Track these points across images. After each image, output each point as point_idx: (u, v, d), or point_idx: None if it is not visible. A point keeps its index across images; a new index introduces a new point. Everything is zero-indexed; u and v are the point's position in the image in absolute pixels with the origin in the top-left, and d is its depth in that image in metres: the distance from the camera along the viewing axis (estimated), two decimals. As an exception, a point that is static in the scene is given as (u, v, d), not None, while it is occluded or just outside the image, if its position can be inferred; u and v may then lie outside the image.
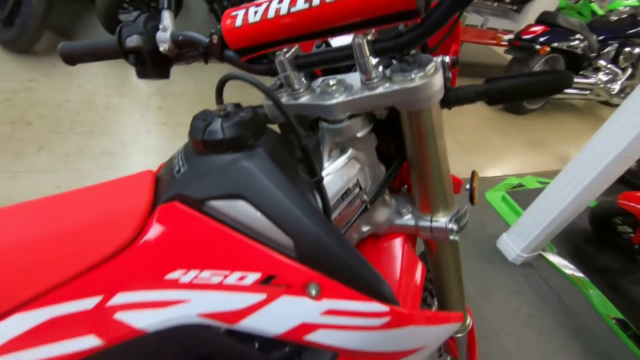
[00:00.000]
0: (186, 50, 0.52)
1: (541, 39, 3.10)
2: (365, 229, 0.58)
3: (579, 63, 3.44)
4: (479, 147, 2.95)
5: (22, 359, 0.37)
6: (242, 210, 0.39)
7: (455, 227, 0.55)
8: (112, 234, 0.39)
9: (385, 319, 0.38)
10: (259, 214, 0.39)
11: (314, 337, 0.39)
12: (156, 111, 2.26)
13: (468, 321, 0.79)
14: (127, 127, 2.08)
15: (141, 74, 0.54)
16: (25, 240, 0.39)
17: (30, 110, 1.96)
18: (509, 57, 3.34)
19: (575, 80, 3.43)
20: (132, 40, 0.50)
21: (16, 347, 0.37)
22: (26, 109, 1.96)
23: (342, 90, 0.45)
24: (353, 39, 0.40)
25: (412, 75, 0.41)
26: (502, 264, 1.96)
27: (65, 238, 0.39)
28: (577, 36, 3.25)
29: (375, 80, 0.43)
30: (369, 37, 0.41)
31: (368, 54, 0.40)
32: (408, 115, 0.46)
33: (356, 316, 0.38)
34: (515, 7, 4.07)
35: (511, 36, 3.46)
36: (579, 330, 1.70)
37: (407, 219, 0.58)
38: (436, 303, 0.87)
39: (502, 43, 3.75)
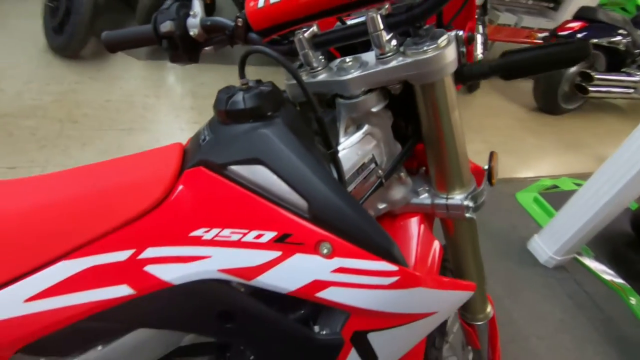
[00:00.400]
0: (214, 35, 0.57)
1: (579, 35, 2.97)
2: (381, 206, 0.60)
3: (621, 60, 3.25)
4: (510, 148, 2.86)
5: (65, 302, 0.41)
6: (260, 174, 0.42)
7: (471, 204, 0.55)
8: (143, 195, 0.44)
9: (394, 279, 0.40)
10: (275, 177, 0.42)
11: (325, 294, 0.41)
12: (189, 110, 2.37)
13: (489, 309, 0.77)
14: (162, 125, 2.20)
15: (173, 59, 0.59)
16: (69, 198, 0.44)
17: (76, 110, 2.12)
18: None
19: (618, 78, 3.25)
20: (166, 26, 0.55)
21: (60, 291, 0.41)
22: (73, 109, 2.12)
23: (358, 67, 0.48)
24: (367, 14, 0.42)
25: (425, 48, 0.42)
26: (532, 266, 1.88)
27: (103, 197, 0.44)
28: (620, 31, 3.08)
29: (389, 54, 0.44)
30: (383, 12, 0.43)
31: (381, 27, 0.42)
32: (422, 89, 0.48)
33: (366, 275, 0.40)
34: (551, 5, 3.92)
35: (547, 34, 3.33)
36: (617, 338, 1.60)
37: (424, 198, 0.59)
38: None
39: (536, 41, 3.62)
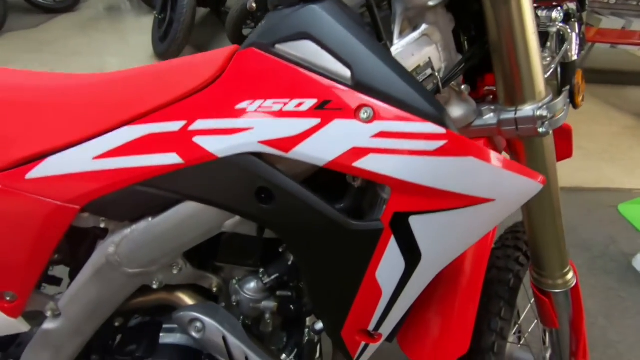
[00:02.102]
0: None
1: None
2: None
3: None
4: (613, 157, 2.48)
5: (124, 164, 0.45)
6: (307, 48, 0.42)
7: (545, 114, 0.47)
8: (198, 73, 0.46)
9: (441, 143, 0.36)
10: (321, 49, 0.41)
11: (363, 163, 0.38)
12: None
13: (570, 275, 0.65)
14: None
15: None
16: (134, 74, 0.49)
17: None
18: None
19: None
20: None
21: (122, 152, 0.46)
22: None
23: None
24: None
25: None
26: (637, 286, 1.56)
27: (163, 75, 0.48)
28: None
29: None
30: None
31: None
32: None
33: (409, 138, 0.36)
34: (668, 5, 3.40)
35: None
36: None
37: (488, 118, 0.53)
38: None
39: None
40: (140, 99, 0.47)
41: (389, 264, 0.42)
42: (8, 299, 0.51)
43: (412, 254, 0.41)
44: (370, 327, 0.47)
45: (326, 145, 0.39)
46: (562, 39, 0.55)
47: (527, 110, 0.49)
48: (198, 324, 0.53)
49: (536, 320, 0.94)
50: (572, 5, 0.57)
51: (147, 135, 0.46)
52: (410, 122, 0.36)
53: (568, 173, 2.44)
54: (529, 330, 0.98)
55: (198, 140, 0.45)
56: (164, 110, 0.46)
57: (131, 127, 0.46)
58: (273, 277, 0.55)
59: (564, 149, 0.81)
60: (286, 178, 0.43)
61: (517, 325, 0.96)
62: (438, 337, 0.54)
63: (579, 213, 2.08)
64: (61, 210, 0.47)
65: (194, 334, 0.53)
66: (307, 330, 0.57)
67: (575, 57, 0.56)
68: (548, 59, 0.53)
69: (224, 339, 0.53)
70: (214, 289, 0.58)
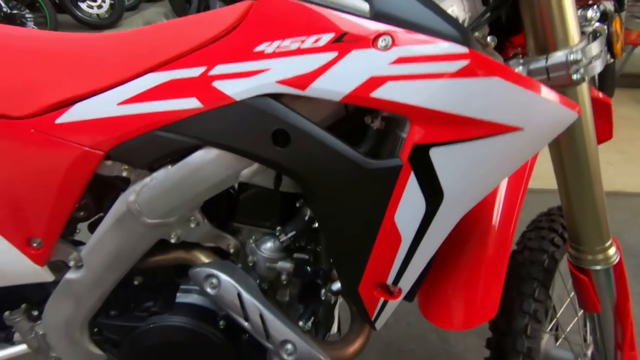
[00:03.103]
0: None
1: None
2: None
3: None
4: (657, 161, 2.31)
5: (147, 109, 0.47)
6: None
7: (579, 57, 0.44)
8: (219, 22, 0.47)
9: (463, 63, 0.34)
10: None
11: (381, 92, 0.37)
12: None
13: (612, 250, 0.59)
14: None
15: None
16: (159, 27, 0.50)
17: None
18: None
19: None
20: None
21: (144, 98, 0.47)
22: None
23: None
24: None
25: None
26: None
27: (187, 25, 0.50)
28: None
29: None
30: None
31: None
32: None
33: (428, 61, 0.35)
34: None
35: None
36: None
37: (517, 72, 0.50)
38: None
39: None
40: (164, 48, 0.48)
41: (409, 205, 0.40)
42: (35, 245, 0.52)
43: (433, 193, 0.39)
44: (389, 281, 0.45)
45: (343, 77, 0.39)
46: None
47: (559, 56, 0.46)
48: (213, 280, 0.53)
49: (576, 318, 0.87)
50: (609, 5, 0.54)
51: (168, 82, 0.47)
52: (429, 44, 0.35)
53: (610, 177, 2.30)
54: (568, 329, 0.90)
55: (217, 84, 0.45)
56: (186, 57, 0.47)
57: (154, 74, 0.47)
58: (290, 234, 0.53)
59: (604, 129, 0.75)
60: (302, 118, 0.42)
61: (554, 321, 0.89)
62: (464, 299, 0.51)
63: (623, 218, 1.93)
64: (87, 155, 0.48)
65: (209, 290, 0.53)
66: (323, 291, 0.55)
67: (611, 60, 0.52)
68: None
69: (239, 295, 0.52)
70: (231, 250, 0.58)
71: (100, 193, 0.57)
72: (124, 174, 0.51)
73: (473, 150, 0.36)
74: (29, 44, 0.52)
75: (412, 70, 0.35)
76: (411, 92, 0.36)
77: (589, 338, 0.84)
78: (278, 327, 0.51)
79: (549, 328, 0.86)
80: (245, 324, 0.52)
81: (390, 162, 0.39)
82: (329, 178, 0.43)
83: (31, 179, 0.50)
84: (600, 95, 0.72)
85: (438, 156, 0.37)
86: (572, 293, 0.88)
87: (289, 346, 0.50)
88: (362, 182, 0.41)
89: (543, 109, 0.35)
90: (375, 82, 0.37)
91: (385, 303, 0.47)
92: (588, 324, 0.84)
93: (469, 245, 0.52)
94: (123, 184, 0.53)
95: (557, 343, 0.91)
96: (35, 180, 0.50)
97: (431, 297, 0.54)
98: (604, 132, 0.76)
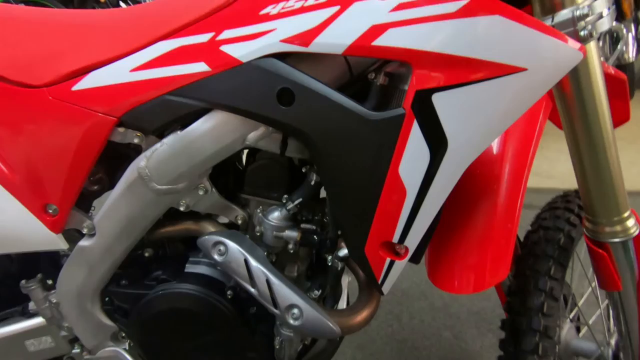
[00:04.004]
0: None
1: None
2: None
3: None
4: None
5: (157, 74, 0.48)
6: None
7: (586, 11, 0.43)
8: None
9: (463, 2, 0.34)
10: None
11: (383, 40, 0.37)
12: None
13: (632, 222, 0.57)
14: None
15: None
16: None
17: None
18: None
19: None
20: None
21: (155, 64, 0.49)
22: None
23: None
24: None
25: None
26: None
27: None
28: None
29: None
30: None
31: None
32: None
33: (428, 4, 0.35)
34: None
35: None
36: None
37: None
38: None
39: None
40: (174, 17, 0.50)
41: (413, 156, 0.40)
42: (50, 211, 0.54)
43: (436, 141, 0.39)
44: (395, 239, 0.44)
45: (345, 29, 0.39)
46: (616, 39, 0.51)
47: (565, 13, 0.45)
48: (221, 247, 0.53)
49: (599, 310, 0.83)
50: None
51: (178, 48, 0.48)
52: None
53: (633, 177, 2.22)
54: (591, 320, 0.87)
55: (224, 48, 0.47)
56: (195, 25, 0.49)
57: (164, 42, 0.49)
58: (296, 202, 0.54)
59: (620, 110, 0.73)
60: (306, 76, 0.43)
61: (575, 311, 0.86)
62: (474, 261, 0.49)
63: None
64: (101, 121, 0.50)
65: (216, 257, 0.53)
66: (330, 258, 0.54)
67: (632, 59, 0.51)
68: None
69: (246, 261, 0.52)
70: (239, 222, 0.59)
71: (114, 166, 0.58)
72: (136, 140, 0.52)
73: (476, 94, 0.36)
74: (48, 17, 0.55)
75: (412, 15, 0.36)
76: (412, 37, 0.36)
77: (613, 327, 0.81)
78: (284, 292, 0.50)
79: (570, 318, 0.83)
80: (252, 290, 0.52)
81: (393, 112, 0.40)
82: (333, 133, 0.43)
83: (48, 145, 0.52)
84: (613, 71, 0.70)
85: (441, 101, 0.37)
86: (594, 283, 0.85)
87: (295, 311, 0.50)
88: (365, 135, 0.41)
89: (547, 49, 0.35)
90: (377, 30, 0.38)
91: (392, 264, 0.46)
92: (610, 309, 0.80)
93: (477, 205, 0.51)
94: (135, 154, 0.54)
95: (580, 334, 0.87)
96: (51, 146, 0.52)
97: (439, 261, 0.52)
98: (621, 113, 0.73)
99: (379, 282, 0.48)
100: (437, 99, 0.37)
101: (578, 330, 0.88)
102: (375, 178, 0.42)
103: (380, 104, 0.45)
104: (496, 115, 0.38)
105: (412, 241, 0.44)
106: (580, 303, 0.87)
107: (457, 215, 0.51)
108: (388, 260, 0.46)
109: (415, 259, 0.48)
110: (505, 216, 0.49)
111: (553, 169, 2.05)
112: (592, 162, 0.54)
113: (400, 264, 0.46)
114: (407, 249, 0.45)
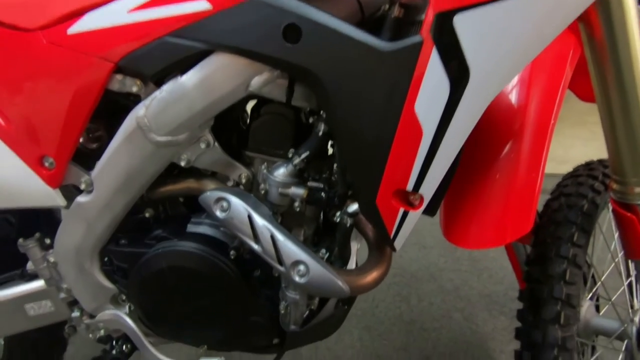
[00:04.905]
0: None
1: None
2: None
3: None
4: None
5: (157, 15, 0.46)
6: None
7: None
8: None
9: None
10: None
11: None
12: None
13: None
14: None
15: None
16: None
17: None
18: None
19: None
20: None
21: (154, 4, 0.46)
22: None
23: None
24: None
25: None
26: None
27: None
28: None
29: None
30: None
31: None
32: None
33: None
34: None
35: None
36: None
37: None
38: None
39: None
40: None
41: (431, 90, 0.36)
42: (47, 165, 0.52)
43: (457, 71, 0.35)
44: (409, 186, 0.41)
45: None
46: None
47: None
48: (224, 203, 0.50)
49: (623, 286, 0.79)
50: None
51: (178, -17, 0.46)
52: None
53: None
54: (614, 297, 0.82)
55: None
56: None
57: None
58: (303, 155, 0.51)
59: None
60: (313, 9, 0.40)
61: (595, 288, 0.81)
62: (494, 213, 0.46)
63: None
64: (98, 66, 0.47)
65: (218, 213, 0.50)
66: (338, 214, 0.51)
67: None
68: None
69: (250, 217, 0.49)
70: (243, 181, 0.56)
71: (114, 124, 0.56)
72: (134, 89, 0.50)
73: (503, 14, 0.32)
74: None
75: None
76: None
77: (637, 304, 0.77)
78: (290, 247, 0.48)
79: (589, 296, 0.79)
80: (256, 246, 0.49)
81: (409, 41, 0.36)
82: (343, 70, 0.40)
83: (43, 93, 0.50)
84: None
85: (463, 24, 0.33)
86: (617, 258, 0.81)
87: (302, 267, 0.47)
88: (378, 69, 0.38)
89: None
90: None
91: (405, 215, 0.43)
92: (635, 283, 0.76)
93: (499, 154, 0.47)
94: (133, 104, 0.52)
95: (601, 312, 0.83)
96: (46, 93, 0.50)
97: (455, 214, 0.49)
98: None
99: (391, 236, 0.45)
100: (460, 22, 0.33)
101: (597, 308, 0.84)
102: (389, 117, 0.39)
103: (395, 39, 0.41)
104: (523, 40, 0.34)
105: (428, 189, 0.41)
106: (602, 278, 0.83)
107: (476, 164, 0.48)
108: (401, 210, 0.43)
109: (430, 210, 0.45)
110: (529, 165, 0.45)
111: (567, 154, 1.99)
112: (623, 114, 0.49)
113: (415, 215, 0.43)
114: (422, 198, 0.42)
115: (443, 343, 1.10)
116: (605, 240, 0.77)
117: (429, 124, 0.38)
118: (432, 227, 1.63)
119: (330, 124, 0.46)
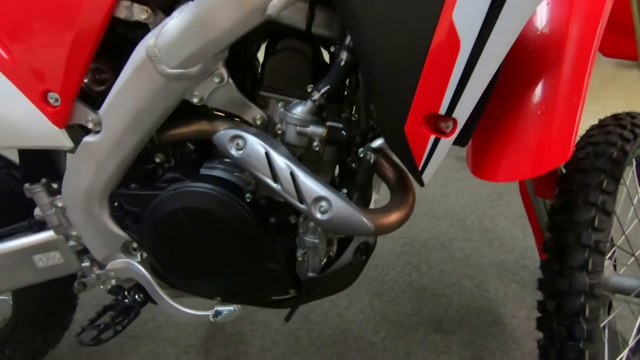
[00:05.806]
0: None
1: None
2: None
3: None
4: None
5: None
6: None
7: None
8: None
9: None
10: None
11: None
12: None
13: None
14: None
15: None
16: None
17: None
18: None
19: None
20: None
21: None
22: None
23: None
24: None
25: None
26: None
27: None
28: None
29: None
30: None
31: None
32: None
33: None
34: None
35: None
36: None
37: None
38: None
39: None
40: None
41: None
42: (52, 101, 0.49)
43: None
44: (442, 109, 0.38)
45: None
46: None
47: None
48: (239, 141, 0.48)
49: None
50: None
51: None
52: None
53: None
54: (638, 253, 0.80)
55: None
56: None
57: None
58: (323, 90, 0.48)
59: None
60: None
61: (613, 249, 0.79)
62: (530, 140, 0.43)
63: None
64: None
65: (234, 152, 0.48)
66: (360, 150, 0.48)
67: None
68: None
69: (267, 155, 0.46)
70: (257, 123, 0.53)
71: (121, 62, 0.53)
72: (143, 17, 0.46)
73: None
74: None
75: None
76: None
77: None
78: (311, 183, 0.45)
79: (608, 255, 0.77)
80: (274, 185, 0.46)
81: None
82: None
83: (47, 22, 0.47)
84: None
85: None
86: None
87: (324, 203, 0.44)
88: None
89: None
90: None
91: (436, 143, 0.40)
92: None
93: (537, 76, 0.44)
94: (142, 36, 0.48)
95: (621, 271, 0.81)
96: (50, 21, 0.47)
97: (486, 145, 0.46)
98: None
99: (420, 167, 0.42)
100: None
101: (615, 267, 0.82)
102: (424, 28, 0.35)
103: None
104: None
105: (462, 112, 0.38)
106: (627, 232, 0.81)
107: (510, 90, 0.44)
108: (432, 138, 0.40)
109: (462, 140, 0.42)
110: (570, 89, 0.42)
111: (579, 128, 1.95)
112: None
113: (446, 143, 0.40)
114: (455, 124, 0.39)
115: (454, 309, 1.09)
116: (629, 194, 0.74)
117: (467, 35, 0.34)
118: (442, 198, 1.62)
119: (356, 43, 0.43)
